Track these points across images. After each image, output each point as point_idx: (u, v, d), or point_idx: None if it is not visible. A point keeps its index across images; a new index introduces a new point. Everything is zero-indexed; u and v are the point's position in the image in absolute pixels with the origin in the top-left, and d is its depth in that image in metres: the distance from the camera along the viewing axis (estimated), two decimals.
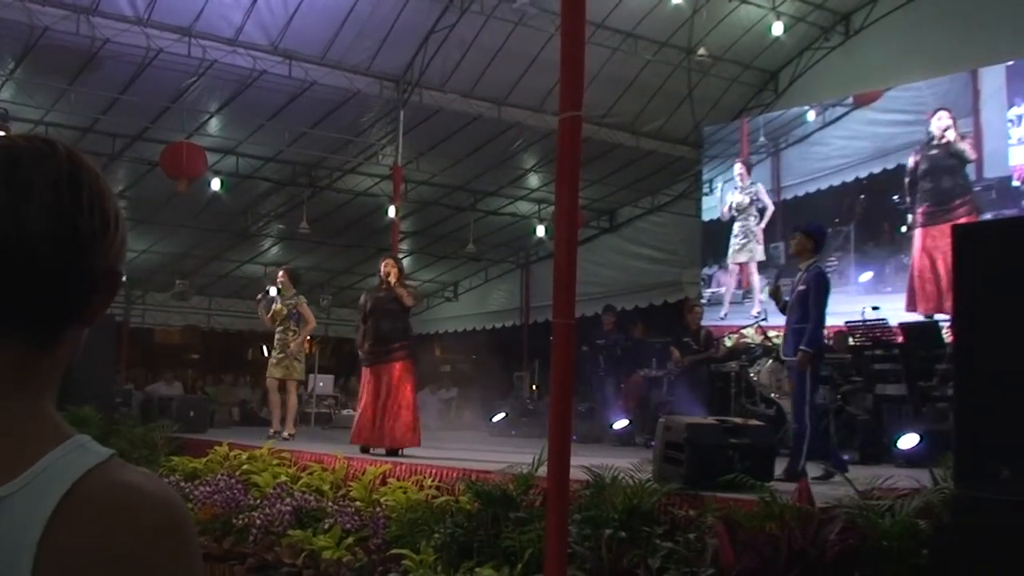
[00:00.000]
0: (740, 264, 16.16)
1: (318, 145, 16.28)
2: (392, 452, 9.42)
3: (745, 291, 16.05)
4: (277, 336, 11.62)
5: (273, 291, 12.06)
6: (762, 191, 16.00)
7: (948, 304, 13.06)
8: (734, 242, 16.23)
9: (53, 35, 12.49)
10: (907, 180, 13.99)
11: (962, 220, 12.66)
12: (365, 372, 9.95)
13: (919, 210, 13.83)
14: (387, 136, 16.13)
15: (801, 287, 8.14)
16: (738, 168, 16.41)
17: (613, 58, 15.40)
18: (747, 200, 16.15)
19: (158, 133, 15.03)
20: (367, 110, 15.61)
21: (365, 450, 9.52)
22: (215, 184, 16.31)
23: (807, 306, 8.04)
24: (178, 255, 20.08)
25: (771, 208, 15.87)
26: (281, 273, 11.99)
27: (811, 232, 8.38)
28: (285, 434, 11.35)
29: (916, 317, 12.96)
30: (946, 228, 13.07)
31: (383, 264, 10.04)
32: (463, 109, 15.75)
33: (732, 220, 16.43)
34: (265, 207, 18.74)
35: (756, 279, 15.81)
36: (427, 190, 18.49)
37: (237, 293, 22.02)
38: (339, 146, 16.46)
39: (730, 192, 16.56)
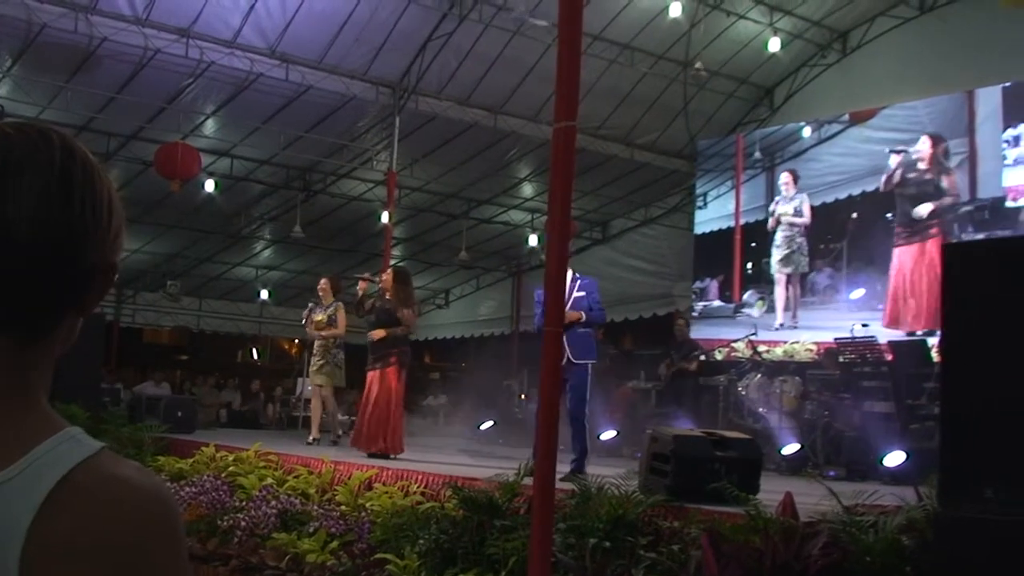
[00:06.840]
0: (786, 275, 15.45)
1: (313, 149, 16.28)
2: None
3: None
4: (317, 343, 11.63)
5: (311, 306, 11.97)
6: (806, 202, 15.44)
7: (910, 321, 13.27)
8: (777, 252, 15.59)
9: (51, 32, 12.48)
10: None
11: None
12: None
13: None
14: (382, 142, 16.13)
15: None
16: (784, 177, 15.82)
17: (609, 70, 15.43)
18: (791, 210, 15.61)
19: (153, 133, 15.02)
20: (363, 115, 15.61)
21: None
22: (209, 186, 16.31)
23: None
24: (170, 256, 20.04)
25: (806, 220, 15.40)
26: (323, 281, 11.92)
27: None
28: (332, 438, 11.53)
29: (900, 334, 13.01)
30: (912, 248, 13.63)
31: None
32: (459, 117, 15.76)
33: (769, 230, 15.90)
34: (258, 210, 18.72)
35: (794, 291, 15.27)
36: (421, 197, 18.50)
37: (228, 295, 22.03)
38: (334, 151, 16.47)
39: (776, 202, 15.88)
